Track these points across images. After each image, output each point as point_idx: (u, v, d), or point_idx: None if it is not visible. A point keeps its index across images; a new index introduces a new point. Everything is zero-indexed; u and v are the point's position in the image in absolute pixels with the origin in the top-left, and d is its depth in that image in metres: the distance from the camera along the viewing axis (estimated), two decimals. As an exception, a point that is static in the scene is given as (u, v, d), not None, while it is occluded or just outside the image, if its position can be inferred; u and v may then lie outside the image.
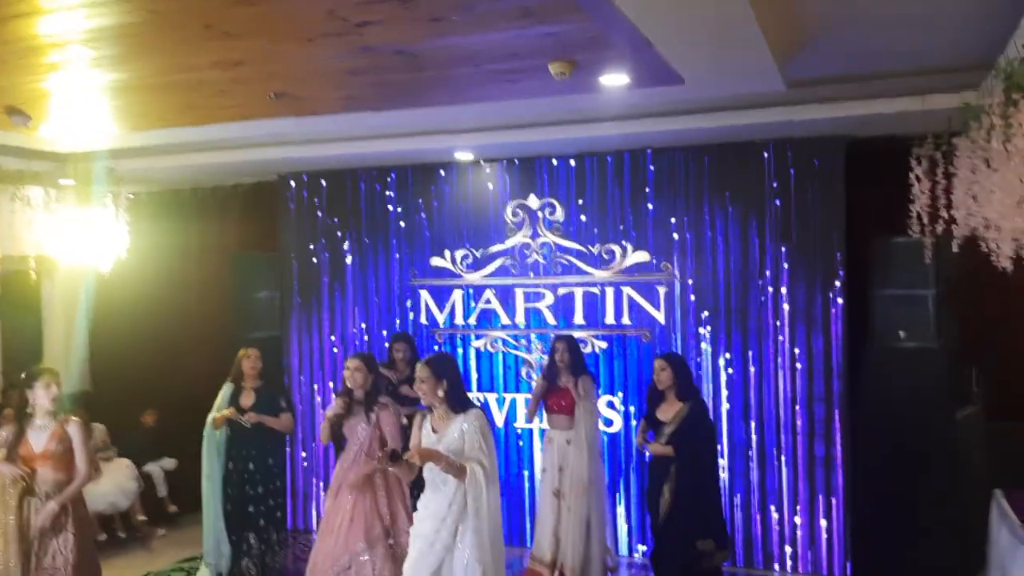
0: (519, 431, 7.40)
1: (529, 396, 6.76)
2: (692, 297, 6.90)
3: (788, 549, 6.67)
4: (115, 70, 4.79)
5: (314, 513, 7.96)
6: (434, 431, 4.41)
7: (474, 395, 7.39)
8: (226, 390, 6.37)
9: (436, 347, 7.61)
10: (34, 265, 7.34)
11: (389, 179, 7.74)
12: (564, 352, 6.28)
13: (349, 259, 7.90)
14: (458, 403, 4.40)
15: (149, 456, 8.12)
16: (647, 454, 5.81)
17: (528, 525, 7.18)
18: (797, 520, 6.64)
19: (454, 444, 4.31)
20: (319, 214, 7.97)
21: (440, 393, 4.35)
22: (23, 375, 5.04)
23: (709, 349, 6.85)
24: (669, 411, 5.57)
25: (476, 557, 4.20)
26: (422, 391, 4.39)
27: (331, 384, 7.90)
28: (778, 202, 6.62)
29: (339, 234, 7.92)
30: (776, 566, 6.70)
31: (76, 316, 8.69)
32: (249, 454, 6.38)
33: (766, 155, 6.62)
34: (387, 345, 7.07)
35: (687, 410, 5.50)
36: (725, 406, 6.80)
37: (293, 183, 8.02)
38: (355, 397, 5.47)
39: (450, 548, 4.27)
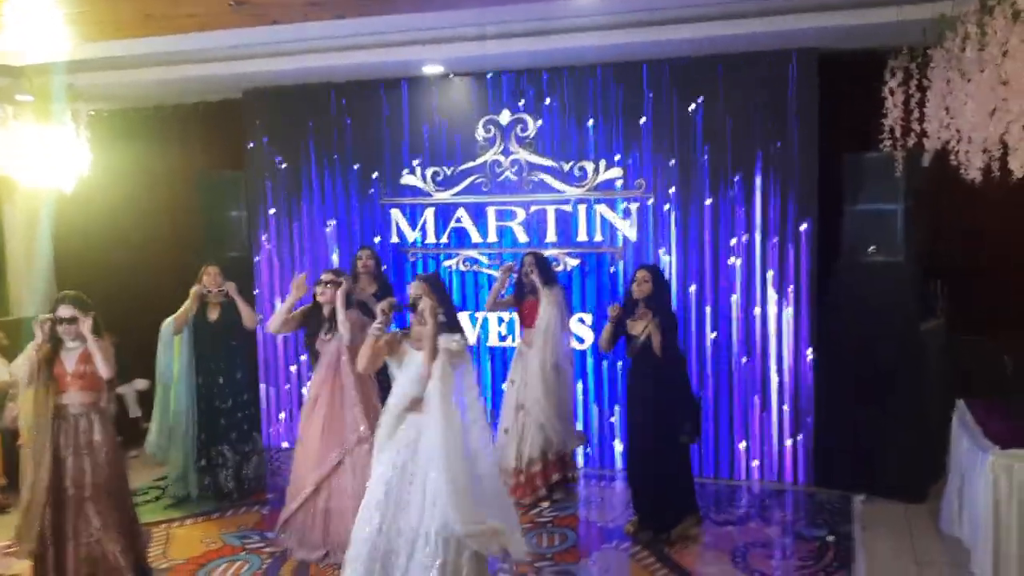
0: (492, 349, 7.44)
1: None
2: (665, 214, 6.89)
3: (755, 463, 6.83)
4: (68, -24, 4.60)
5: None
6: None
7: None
8: (190, 307, 6.46)
9: (408, 264, 7.58)
10: (-7, 185, 7.15)
11: (357, 94, 7.57)
12: (531, 266, 6.35)
13: (317, 177, 7.78)
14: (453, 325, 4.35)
15: (120, 377, 8.09)
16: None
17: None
18: (760, 433, 6.78)
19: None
20: (286, 131, 7.80)
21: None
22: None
23: (681, 264, 6.86)
24: (640, 325, 5.60)
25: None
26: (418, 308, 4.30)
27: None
28: (753, 116, 6.57)
29: (307, 151, 7.78)
30: (743, 476, 6.86)
31: (38, 237, 8.53)
32: (218, 367, 6.51)
33: (742, 69, 6.54)
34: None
35: (655, 326, 5.51)
36: (695, 320, 6.85)
37: (258, 100, 7.83)
38: (324, 312, 5.49)
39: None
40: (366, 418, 5.43)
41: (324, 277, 5.62)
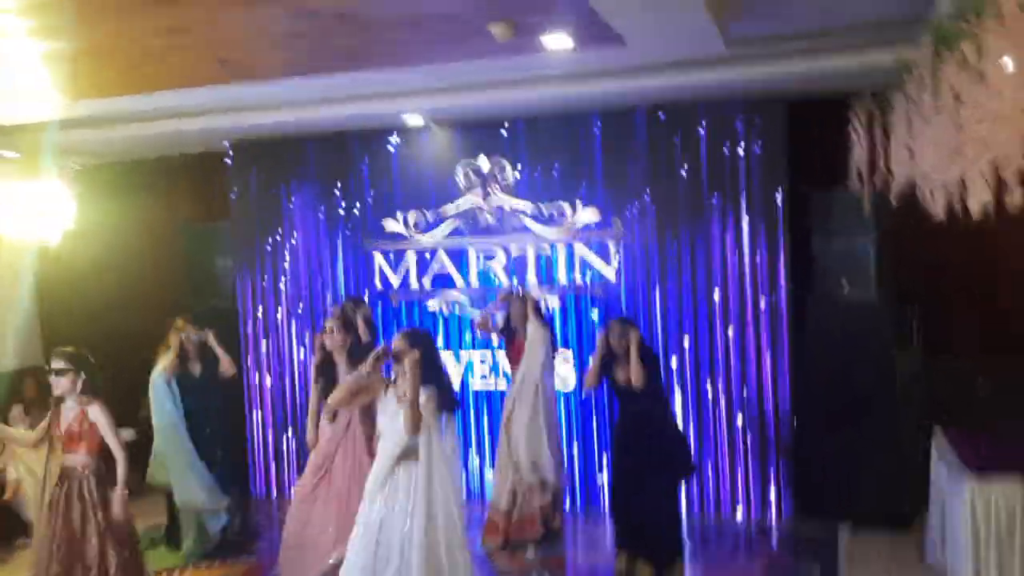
0: (475, 391, 7.51)
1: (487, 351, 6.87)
2: (641, 253, 7.03)
3: (736, 497, 6.89)
4: (57, 39, 4.72)
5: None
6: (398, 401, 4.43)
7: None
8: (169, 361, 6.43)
9: (392, 310, 7.67)
10: (-23, 239, 7.20)
11: (339, 145, 7.70)
12: (517, 304, 6.42)
13: (301, 225, 7.88)
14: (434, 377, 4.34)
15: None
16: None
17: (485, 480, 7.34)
18: (745, 467, 6.86)
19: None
20: (269, 181, 7.91)
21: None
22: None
23: (660, 304, 6.99)
24: (624, 373, 5.63)
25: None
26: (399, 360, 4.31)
27: (304, 344, 7.91)
28: (723, 159, 6.75)
29: (290, 201, 7.89)
30: (725, 511, 6.91)
31: (23, 290, 8.56)
32: (203, 421, 6.49)
33: (711, 113, 6.74)
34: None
35: (646, 374, 5.58)
36: (675, 359, 6.96)
37: (241, 151, 7.95)
38: (336, 360, 5.43)
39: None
40: None
41: (328, 324, 5.49)
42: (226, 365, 6.51)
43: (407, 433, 4.16)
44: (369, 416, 5.00)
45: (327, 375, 5.43)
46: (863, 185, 4.97)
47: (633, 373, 5.51)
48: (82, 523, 4.78)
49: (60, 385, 4.81)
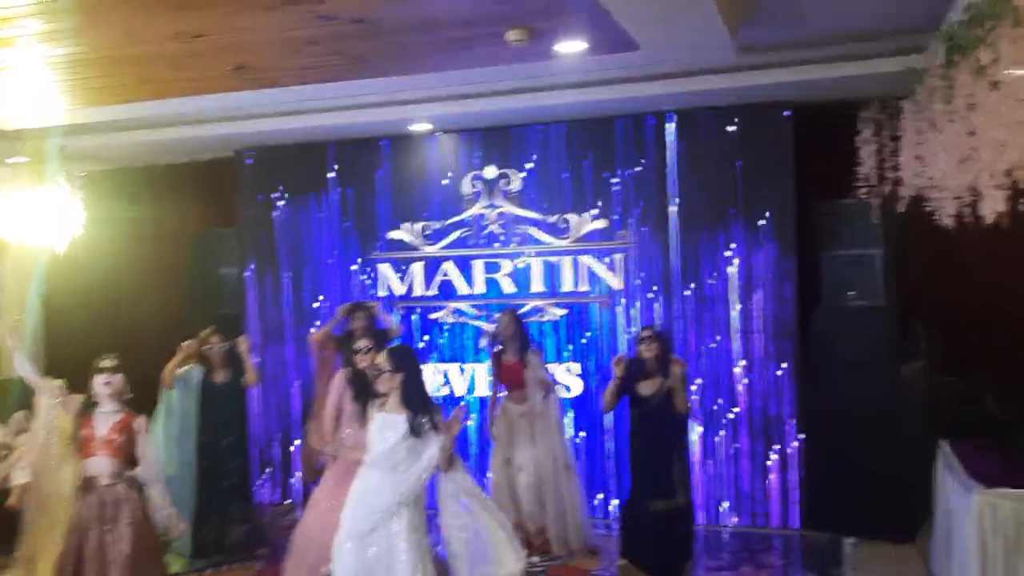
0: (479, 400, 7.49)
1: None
2: (648, 263, 7.04)
3: (744, 505, 6.88)
4: (69, 43, 4.74)
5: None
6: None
7: (436, 366, 7.49)
8: (196, 369, 6.51)
9: (398, 318, 7.67)
10: (-16, 245, 7.21)
11: (346, 152, 7.73)
12: (507, 326, 6.41)
13: (307, 233, 7.90)
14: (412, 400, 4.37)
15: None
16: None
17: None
18: (751, 478, 6.85)
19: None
20: (275, 189, 7.94)
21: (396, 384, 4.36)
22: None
23: (666, 314, 6.98)
24: (652, 386, 5.62)
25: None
26: (381, 380, 4.40)
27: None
28: (730, 167, 6.76)
29: (296, 208, 7.91)
30: (732, 521, 6.90)
31: (29, 297, 8.54)
32: (220, 429, 6.51)
33: (719, 121, 6.76)
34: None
35: (667, 387, 5.56)
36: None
37: (248, 158, 7.98)
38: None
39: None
40: None
41: (359, 345, 5.50)
42: (251, 375, 6.52)
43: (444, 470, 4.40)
44: None
45: (359, 385, 5.38)
46: (871, 194, 5.00)
47: (678, 401, 5.52)
48: (109, 531, 4.69)
49: (114, 385, 4.78)
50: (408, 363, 4.44)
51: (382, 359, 4.46)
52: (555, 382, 6.69)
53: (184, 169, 8.62)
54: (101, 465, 4.72)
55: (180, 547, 6.59)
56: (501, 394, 6.60)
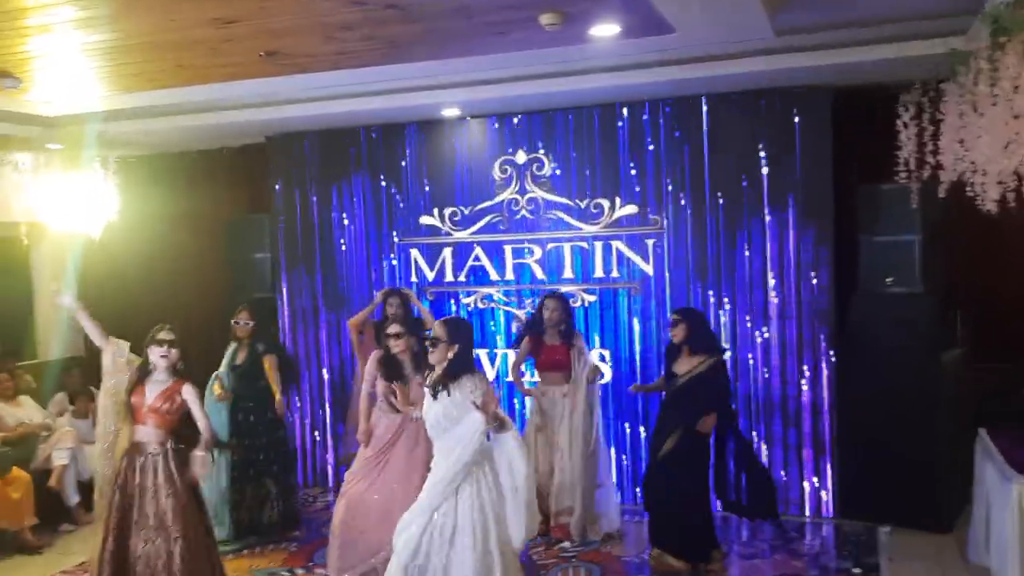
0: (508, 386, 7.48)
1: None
2: (681, 249, 6.98)
3: (778, 493, 6.81)
4: (104, 30, 4.76)
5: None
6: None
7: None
8: (230, 349, 6.71)
9: (428, 305, 7.68)
10: (24, 231, 7.32)
11: (377, 137, 7.74)
12: (555, 311, 6.42)
13: (338, 219, 7.92)
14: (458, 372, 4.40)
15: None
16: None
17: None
18: (784, 466, 6.80)
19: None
20: (308, 174, 7.97)
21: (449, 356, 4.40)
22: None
23: (699, 300, 6.93)
24: (685, 365, 5.70)
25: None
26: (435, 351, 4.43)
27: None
28: (766, 151, 6.68)
29: (328, 193, 7.94)
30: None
31: (66, 282, 8.64)
32: (250, 406, 6.63)
33: (755, 105, 6.67)
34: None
35: (704, 367, 5.63)
36: (715, 355, 6.90)
37: (282, 144, 8.01)
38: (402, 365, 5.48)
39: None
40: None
41: (392, 330, 5.52)
42: (278, 396, 6.66)
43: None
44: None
45: (390, 368, 5.46)
46: (911, 178, 4.91)
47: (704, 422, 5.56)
48: (151, 499, 4.76)
49: (171, 356, 4.83)
50: (462, 335, 4.46)
51: (438, 328, 4.47)
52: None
53: (217, 155, 8.70)
54: (147, 433, 4.80)
55: (218, 527, 6.71)
56: (530, 379, 6.63)
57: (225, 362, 6.67)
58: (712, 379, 5.65)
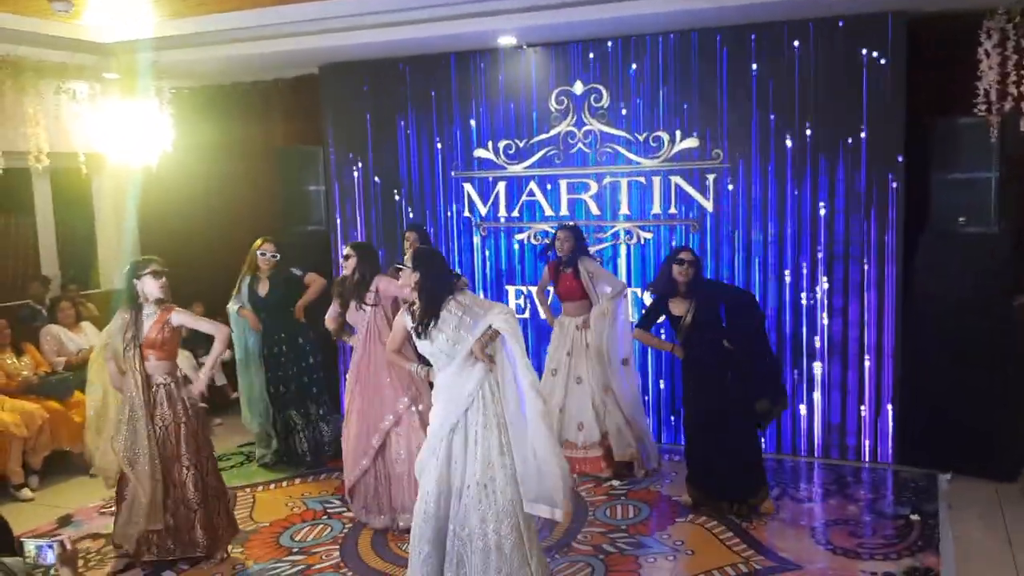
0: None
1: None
2: (743, 184, 6.74)
3: (835, 438, 6.67)
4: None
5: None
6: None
7: (518, 287, 7.43)
8: (245, 281, 6.73)
9: (480, 239, 7.59)
10: (84, 160, 7.38)
11: (431, 68, 7.58)
12: (566, 241, 6.39)
13: (391, 151, 7.83)
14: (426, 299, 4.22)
15: (204, 347, 8.33)
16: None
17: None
18: (843, 410, 6.62)
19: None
20: (361, 105, 7.87)
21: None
22: (128, 267, 5.02)
23: (760, 237, 6.72)
24: (681, 306, 5.60)
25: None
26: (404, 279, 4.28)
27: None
28: (836, 83, 6.35)
29: (381, 126, 7.84)
30: (822, 453, 6.71)
31: (126, 211, 8.78)
32: (279, 337, 6.72)
33: (824, 33, 6.33)
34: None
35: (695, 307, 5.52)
36: (774, 296, 6.71)
37: (334, 75, 7.91)
38: (346, 285, 5.67)
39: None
40: (403, 388, 5.46)
41: (345, 251, 5.72)
42: (317, 288, 6.66)
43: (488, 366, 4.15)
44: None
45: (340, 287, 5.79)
46: (990, 111, 4.63)
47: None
48: (165, 430, 4.94)
49: (165, 288, 4.96)
50: (423, 262, 4.24)
51: (407, 258, 4.37)
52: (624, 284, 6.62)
53: (270, 86, 8.67)
54: (152, 367, 4.95)
55: (263, 460, 6.85)
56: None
57: (243, 295, 6.68)
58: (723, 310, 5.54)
